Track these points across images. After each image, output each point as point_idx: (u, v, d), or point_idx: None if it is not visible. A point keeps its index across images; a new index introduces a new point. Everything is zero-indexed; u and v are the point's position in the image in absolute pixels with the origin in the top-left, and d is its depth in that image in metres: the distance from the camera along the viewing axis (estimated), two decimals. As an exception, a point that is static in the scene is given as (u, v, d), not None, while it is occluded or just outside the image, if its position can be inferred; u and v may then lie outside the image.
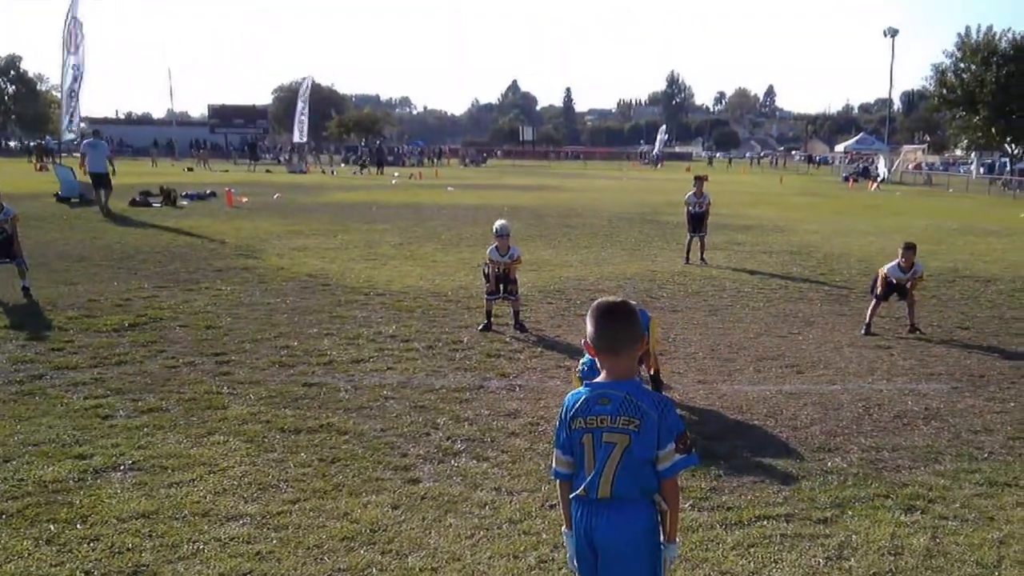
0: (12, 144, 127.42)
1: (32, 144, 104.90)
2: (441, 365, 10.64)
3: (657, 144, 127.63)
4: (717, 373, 10.64)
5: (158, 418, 8.43)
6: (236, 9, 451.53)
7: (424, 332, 12.35)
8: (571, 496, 4.08)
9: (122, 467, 7.17)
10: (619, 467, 3.90)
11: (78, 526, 6.11)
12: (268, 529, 6.11)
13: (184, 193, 37.29)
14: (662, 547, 4.05)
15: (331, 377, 10.00)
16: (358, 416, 8.60)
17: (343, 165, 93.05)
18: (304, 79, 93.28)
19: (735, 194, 46.42)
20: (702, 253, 20.20)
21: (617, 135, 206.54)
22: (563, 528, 4.27)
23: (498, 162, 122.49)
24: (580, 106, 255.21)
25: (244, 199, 36.24)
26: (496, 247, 12.76)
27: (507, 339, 12.07)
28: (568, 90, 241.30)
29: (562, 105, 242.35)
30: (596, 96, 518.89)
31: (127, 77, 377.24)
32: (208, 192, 39.24)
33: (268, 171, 71.55)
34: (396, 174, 70.04)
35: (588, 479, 3.96)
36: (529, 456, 7.64)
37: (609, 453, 3.90)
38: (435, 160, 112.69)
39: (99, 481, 6.88)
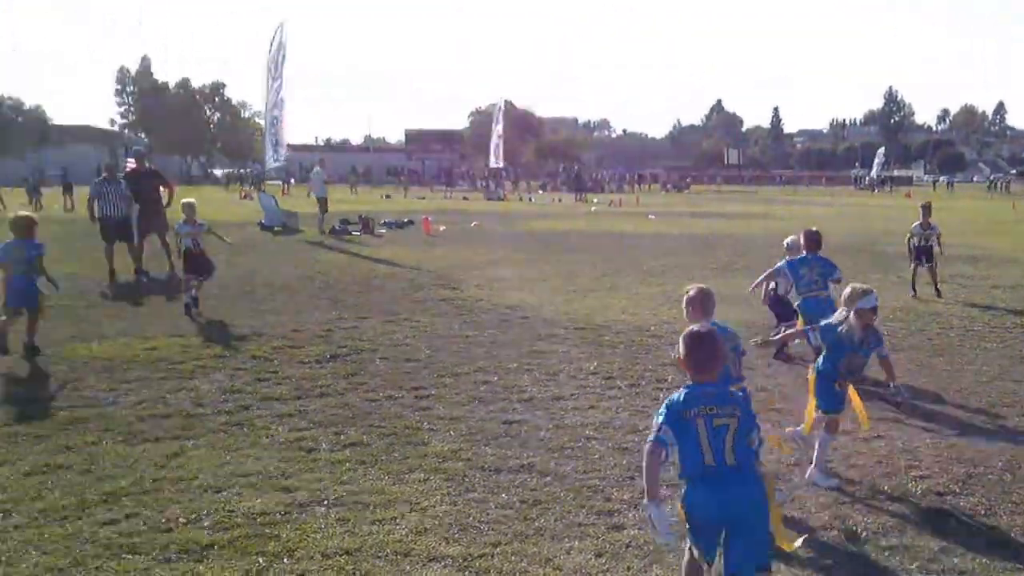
0: (217, 172, 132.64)
1: (236, 172, 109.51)
2: (645, 404, 10.54)
3: (874, 167, 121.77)
4: (945, 421, 10.23)
5: (360, 452, 8.71)
6: (432, 33, 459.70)
7: (627, 369, 12.33)
8: (698, 476, 5.21)
9: (326, 502, 7.42)
10: (734, 442, 5.18)
11: (284, 560, 6.38)
12: (470, 572, 6.23)
13: (382, 221, 38.34)
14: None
15: (531, 414, 10.11)
16: (559, 457, 8.66)
17: (541, 192, 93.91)
18: (499, 102, 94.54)
19: (962, 222, 44.84)
20: (935, 284, 19.12)
21: (829, 157, 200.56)
22: (646, 500, 5.23)
23: (701, 187, 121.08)
24: (789, 127, 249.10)
25: (442, 227, 37.00)
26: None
27: None
28: (776, 110, 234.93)
29: (769, 126, 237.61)
30: (807, 116, 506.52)
31: (325, 103, 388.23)
32: (406, 220, 40.22)
33: (465, 198, 72.90)
34: (595, 200, 70.35)
35: (711, 453, 5.16)
36: None
37: (724, 433, 5.17)
38: (635, 186, 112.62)
39: (304, 515, 7.15)
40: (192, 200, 17.50)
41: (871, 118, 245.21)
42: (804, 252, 13.05)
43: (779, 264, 13.27)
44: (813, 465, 8.11)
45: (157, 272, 21.36)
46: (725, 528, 5.18)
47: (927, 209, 18.19)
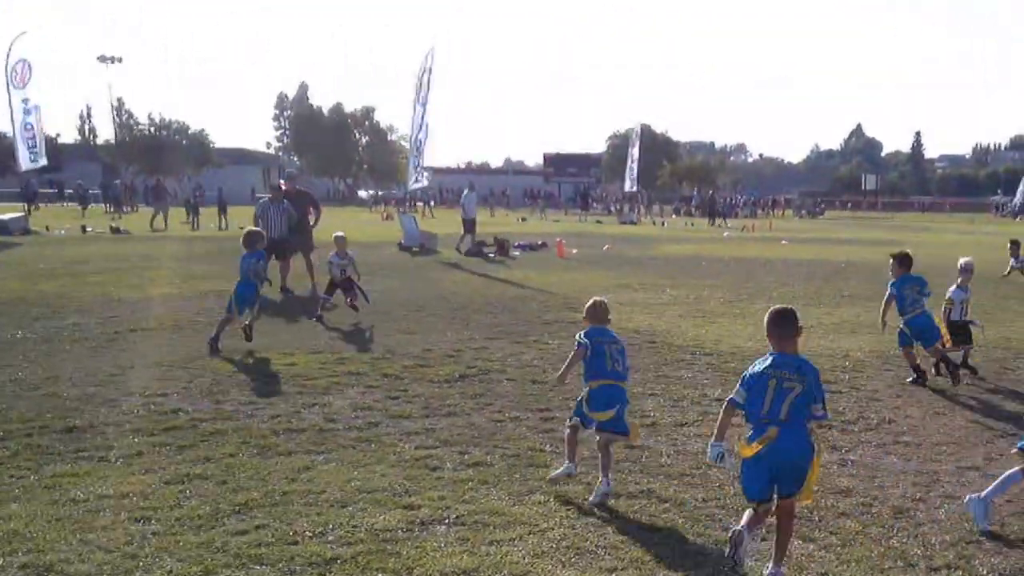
0: (363, 194, 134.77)
1: (379, 194, 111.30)
2: None
3: (1018, 194, 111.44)
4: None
5: (483, 472, 8.71)
6: (573, 58, 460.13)
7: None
8: (756, 425, 6.54)
9: (447, 520, 7.44)
10: (792, 403, 6.41)
11: (404, 577, 6.41)
12: (584, 597, 6.19)
13: (516, 244, 38.50)
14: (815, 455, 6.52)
15: (653, 440, 10.01)
16: (679, 484, 8.56)
17: (674, 216, 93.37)
18: (635, 126, 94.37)
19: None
20: None
21: (971, 184, 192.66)
22: (713, 440, 6.91)
23: (836, 213, 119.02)
24: (930, 152, 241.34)
25: (574, 250, 37.02)
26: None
27: (840, 408, 11.55)
28: (917, 134, 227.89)
29: (910, 151, 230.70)
30: (949, 141, 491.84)
31: (465, 127, 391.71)
32: (539, 243, 40.36)
33: (599, 221, 72.83)
34: (729, 225, 69.69)
35: (768, 409, 6.45)
36: (860, 540, 7.27)
37: (788, 394, 6.42)
38: (769, 211, 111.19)
39: (425, 533, 7.17)
40: (342, 233, 18.65)
41: (1017, 143, 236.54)
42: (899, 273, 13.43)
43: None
44: (982, 494, 7.70)
45: (301, 291, 21.79)
46: (770, 468, 6.43)
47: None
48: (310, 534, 7.06)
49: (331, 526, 7.23)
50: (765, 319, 6.88)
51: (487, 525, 7.37)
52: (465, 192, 39.40)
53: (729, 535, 6.47)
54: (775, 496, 6.46)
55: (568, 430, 8.52)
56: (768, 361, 6.60)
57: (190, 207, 54.80)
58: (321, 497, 7.89)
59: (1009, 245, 16.19)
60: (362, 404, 11.22)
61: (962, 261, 14.40)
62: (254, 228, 17.45)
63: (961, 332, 14.00)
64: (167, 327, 16.61)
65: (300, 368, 13.19)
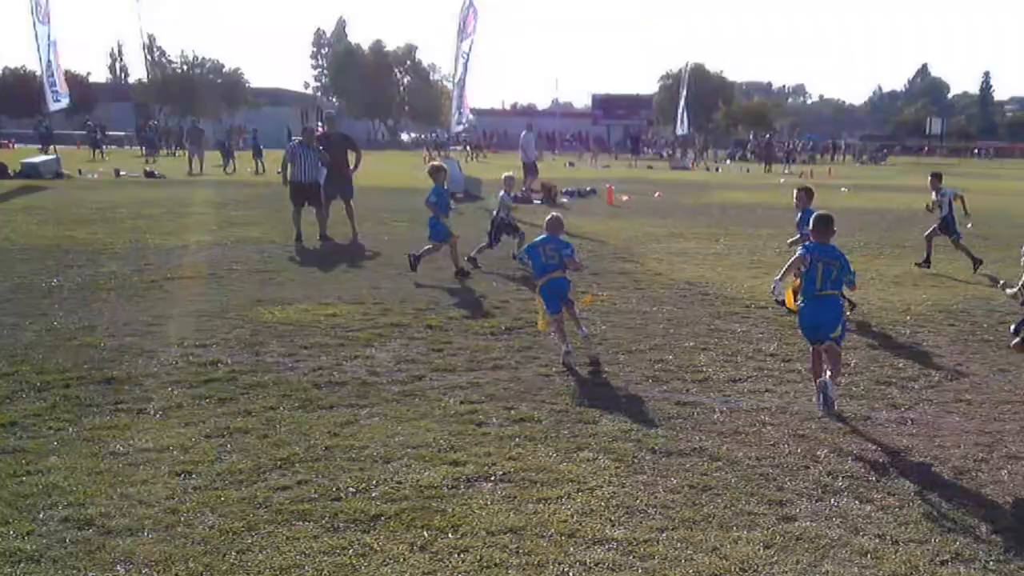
0: (404, 137, 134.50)
1: (423, 137, 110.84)
2: None
3: None
4: None
5: (529, 428, 8.78)
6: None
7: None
8: (808, 296, 9.59)
9: (493, 477, 7.53)
10: (832, 279, 9.43)
11: (449, 535, 6.48)
12: (634, 557, 6.23)
13: (565, 190, 38.40)
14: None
15: (706, 396, 10.05)
16: (732, 441, 8.58)
17: (729, 161, 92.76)
18: (686, 64, 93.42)
19: None
20: None
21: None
22: (777, 278, 9.99)
23: (899, 159, 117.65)
24: (1000, 94, 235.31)
25: (624, 197, 36.90)
26: None
27: (899, 364, 11.57)
28: (986, 75, 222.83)
29: (978, 93, 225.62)
30: (1021, 82, 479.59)
31: (513, 66, 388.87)
32: (588, 189, 40.24)
33: (650, 167, 72.55)
34: (786, 171, 69.13)
35: (818, 285, 9.45)
36: (919, 502, 7.28)
37: (830, 273, 9.40)
38: (830, 156, 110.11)
39: (471, 490, 7.26)
40: (512, 173, 21.15)
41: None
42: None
43: None
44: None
45: (341, 239, 21.92)
46: (814, 319, 9.61)
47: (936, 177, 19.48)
48: (353, 490, 7.16)
49: (375, 482, 7.32)
50: (811, 220, 10.09)
51: (534, 482, 7.44)
52: (523, 133, 39.06)
53: (816, 387, 9.52)
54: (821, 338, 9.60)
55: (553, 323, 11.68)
56: (813, 248, 9.62)
57: (225, 150, 55.00)
58: (364, 452, 8.00)
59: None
60: (406, 357, 11.32)
61: None
62: (436, 163, 20.40)
63: None
64: (204, 275, 16.76)
65: (341, 319, 13.30)
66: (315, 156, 21.70)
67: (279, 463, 7.69)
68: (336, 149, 22.43)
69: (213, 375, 10.27)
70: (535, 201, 34.39)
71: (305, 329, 12.62)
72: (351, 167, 22.77)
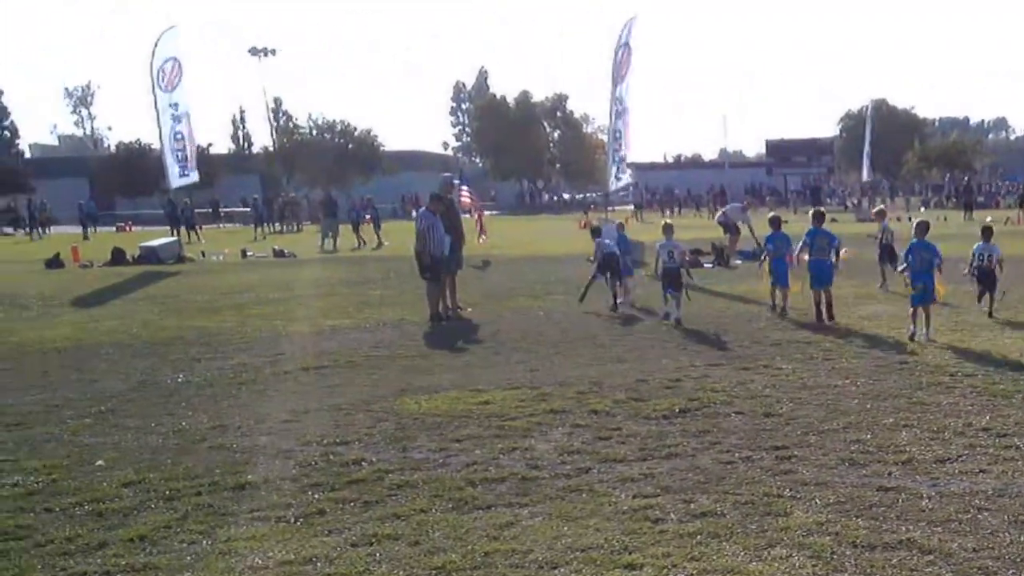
0: (563, 198, 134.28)
1: (584, 196, 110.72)
2: None
3: None
4: None
5: (712, 524, 8.68)
6: (793, 27, 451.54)
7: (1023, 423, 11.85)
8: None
9: (674, 581, 7.43)
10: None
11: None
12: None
13: (738, 250, 38.08)
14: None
15: (911, 480, 9.83)
16: (944, 531, 8.37)
17: (923, 208, 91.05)
18: (869, 102, 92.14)
19: None
20: None
21: None
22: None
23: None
24: None
25: (806, 257, 36.38)
26: None
27: None
28: None
29: None
30: None
31: (672, 114, 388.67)
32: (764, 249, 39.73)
33: (833, 219, 71.33)
34: (988, 218, 67.55)
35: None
36: None
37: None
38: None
39: (653, 597, 7.18)
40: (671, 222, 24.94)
41: None
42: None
43: None
44: None
45: (477, 316, 22.47)
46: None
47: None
48: None
49: None
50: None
51: None
52: (733, 204, 43.35)
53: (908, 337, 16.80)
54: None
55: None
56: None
57: (354, 224, 55.88)
58: (528, 558, 7.99)
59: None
60: (569, 447, 11.30)
61: None
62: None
63: None
64: (343, 364, 16.96)
65: (495, 407, 13.37)
66: (440, 225, 22.17)
67: (434, 572, 7.74)
68: (454, 218, 22.88)
69: (357, 475, 10.37)
70: (705, 265, 34.26)
71: (456, 420, 12.70)
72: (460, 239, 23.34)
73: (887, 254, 26.49)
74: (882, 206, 30.01)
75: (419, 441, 11.73)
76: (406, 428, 12.35)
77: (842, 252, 21.84)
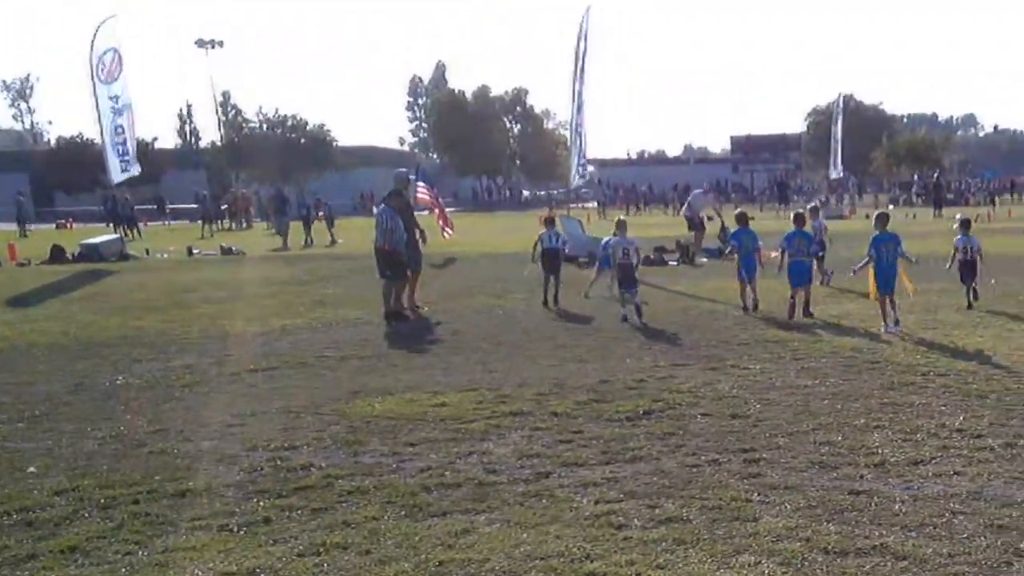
0: (524, 194, 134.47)
1: (548, 193, 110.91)
2: None
3: None
4: None
5: (678, 530, 8.56)
6: (758, 22, 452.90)
7: (1000, 425, 11.78)
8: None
9: (637, 591, 7.30)
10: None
11: (589, 663, 6.34)
12: None
13: (704, 248, 38.07)
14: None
15: (883, 483, 9.77)
16: (918, 536, 8.29)
17: (892, 206, 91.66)
18: (838, 96, 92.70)
19: None
20: None
21: None
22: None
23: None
24: None
25: (774, 254, 36.43)
26: None
27: None
28: None
29: None
30: None
31: (635, 109, 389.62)
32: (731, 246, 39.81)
33: (751, 218, 71.55)
34: (957, 216, 67.93)
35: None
36: None
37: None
38: (1011, 195, 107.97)
39: (613, 610, 7.04)
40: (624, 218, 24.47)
41: None
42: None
43: None
44: None
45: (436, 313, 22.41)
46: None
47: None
48: None
49: None
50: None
51: None
52: (696, 192, 43.13)
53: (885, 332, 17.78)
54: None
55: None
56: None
57: (305, 221, 55.64)
58: (485, 567, 7.85)
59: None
60: (528, 451, 11.17)
61: None
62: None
63: None
64: (292, 365, 16.80)
65: (452, 409, 13.21)
66: (396, 217, 22.20)
67: (385, 583, 7.56)
68: (409, 215, 22.96)
69: (305, 481, 10.19)
70: (670, 263, 34.43)
71: (411, 423, 12.53)
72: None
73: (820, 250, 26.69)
74: (816, 204, 33.38)
75: (371, 445, 11.56)
76: (358, 431, 12.16)
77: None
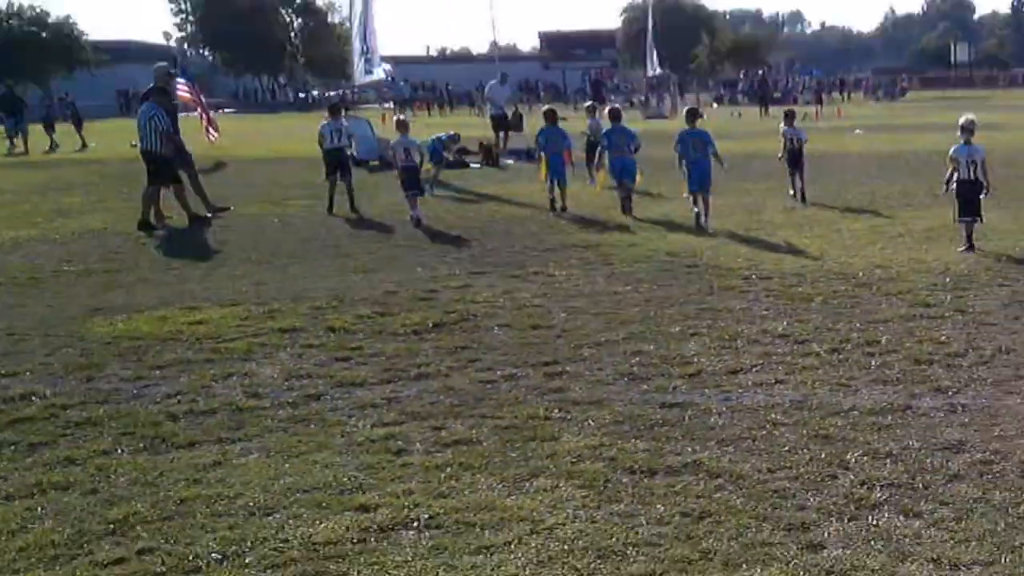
0: (312, 95, 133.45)
1: (329, 95, 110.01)
2: (852, 376, 10.19)
3: None
4: None
5: (465, 453, 8.36)
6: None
7: (826, 329, 12.00)
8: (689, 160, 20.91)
9: (415, 524, 7.09)
10: (703, 149, 20.89)
11: (352, 609, 6.05)
12: (611, 618, 5.87)
13: (509, 150, 38.13)
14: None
15: (699, 394, 9.77)
16: (736, 451, 8.27)
17: (716, 105, 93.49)
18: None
19: None
20: None
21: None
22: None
23: (920, 94, 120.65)
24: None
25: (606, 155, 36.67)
26: None
27: (941, 338, 11.42)
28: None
29: (1010, 12, 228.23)
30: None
31: (438, 5, 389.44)
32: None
33: (564, 118, 72.37)
34: (792, 107, 69.84)
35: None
36: (980, 510, 7.04)
37: (701, 149, 20.91)
38: (840, 94, 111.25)
39: (384, 544, 6.83)
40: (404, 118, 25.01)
41: None
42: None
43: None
44: None
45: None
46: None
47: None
48: (218, 557, 6.67)
49: (249, 543, 6.85)
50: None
51: (471, 526, 7.05)
52: (491, 83, 42.44)
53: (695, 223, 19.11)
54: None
55: None
56: (682, 132, 21.09)
57: (45, 123, 53.89)
58: (236, 504, 7.47)
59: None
60: (298, 371, 10.84)
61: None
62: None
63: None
64: (22, 282, 16.14)
65: (211, 327, 12.77)
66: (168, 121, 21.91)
67: (112, 527, 7.11)
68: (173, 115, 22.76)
69: (23, 413, 9.61)
70: (472, 165, 34.57)
71: (160, 343, 12.05)
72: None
73: (592, 150, 27.07)
74: (592, 103, 35.27)
75: (109, 369, 11.04)
76: (94, 355, 11.61)
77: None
